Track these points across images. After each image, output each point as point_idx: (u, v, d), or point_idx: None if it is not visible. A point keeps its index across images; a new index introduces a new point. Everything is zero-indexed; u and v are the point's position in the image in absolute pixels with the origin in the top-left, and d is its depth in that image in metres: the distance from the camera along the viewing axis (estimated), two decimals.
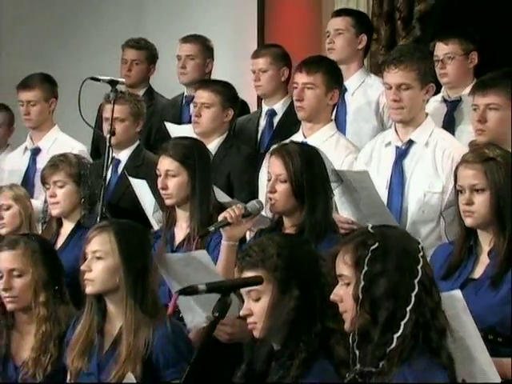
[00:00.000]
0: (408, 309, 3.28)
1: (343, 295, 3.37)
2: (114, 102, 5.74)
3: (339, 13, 6.80)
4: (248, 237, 5.23)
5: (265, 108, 6.55)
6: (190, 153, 5.21)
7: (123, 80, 5.90)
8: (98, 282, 4.14)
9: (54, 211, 5.61)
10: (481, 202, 4.16)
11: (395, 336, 3.28)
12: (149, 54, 7.47)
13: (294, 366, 3.53)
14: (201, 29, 7.85)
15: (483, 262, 4.18)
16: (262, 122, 6.54)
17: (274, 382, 3.56)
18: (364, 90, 6.16)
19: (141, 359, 4.06)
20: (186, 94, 7.11)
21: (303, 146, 5.02)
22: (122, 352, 4.07)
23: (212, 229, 4.82)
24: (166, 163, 5.13)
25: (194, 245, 4.93)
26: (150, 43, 7.53)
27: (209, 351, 3.75)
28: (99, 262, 4.15)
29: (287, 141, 5.19)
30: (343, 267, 3.36)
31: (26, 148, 6.85)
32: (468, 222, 4.15)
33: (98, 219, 5.43)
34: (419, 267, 3.35)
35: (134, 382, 3.80)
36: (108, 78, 5.77)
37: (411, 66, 5.25)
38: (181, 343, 4.18)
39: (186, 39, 7.14)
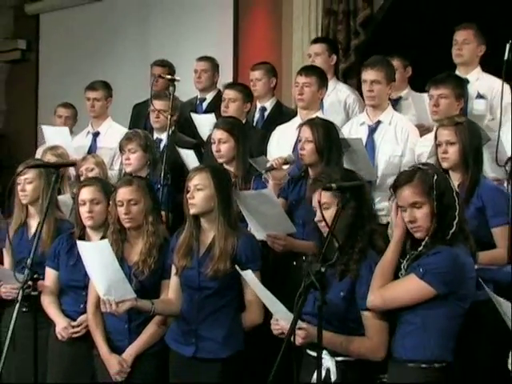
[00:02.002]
0: (456, 213, 3.38)
1: (418, 216, 3.39)
2: (172, 97, 5.60)
3: (316, 40, 6.67)
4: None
5: (258, 105, 6.37)
6: (234, 125, 5.18)
7: (178, 78, 5.85)
8: (199, 206, 4.11)
9: (128, 169, 5.51)
10: (453, 151, 4.25)
11: (450, 231, 3.37)
12: (170, 70, 7.13)
13: (355, 253, 3.54)
14: (191, 53, 7.61)
15: None
16: (256, 115, 6.40)
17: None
18: (335, 93, 6.09)
19: (229, 258, 4.05)
20: (199, 96, 6.96)
21: (325, 120, 4.95)
22: (216, 253, 4.06)
23: (264, 171, 4.84)
24: (218, 133, 5.08)
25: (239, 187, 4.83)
26: (170, 62, 7.28)
27: None
28: (199, 192, 4.12)
29: (314, 116, 5.14)
30: (415, 196, 3.39)
31: (88, 132, 6.69)
32: (444, 164, 4.23)
33: (162, 175, 5.25)
34: (452, 186, 3.48)
35: (253, 277, 3.67)
36: (169, 76, 5.77)
37: (381, 68, 5.29)
38: (255, 247, 4.18)
39: (201, 58, 7.00)
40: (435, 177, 3.41)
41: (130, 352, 4.27)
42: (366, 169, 4.89)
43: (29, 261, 3.92)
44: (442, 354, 3.32)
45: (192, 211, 4.13)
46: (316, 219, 3.65)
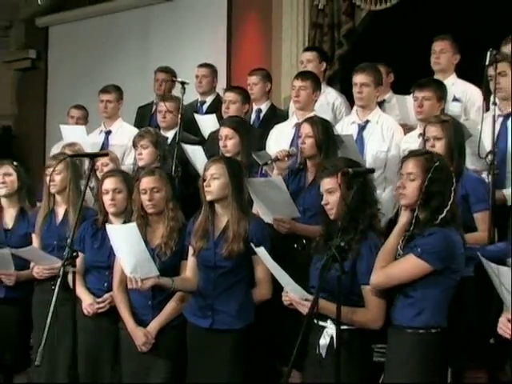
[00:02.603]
0: (449, 202, 3.45)
1: (407, 186, 3.48)
2: (182, 97, 5.68)
3: (308, 49, 6.70)
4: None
5: (254, 107, 6.31)
6: (239, 123, 5.20)
7: (188, 81, 5.88)
8: (215, 193, 4.14)
9: (140, 163, 5.47)
10: (439, 146, 4.29)
11: (440, 216, 3.43)
12: (172, 75, 7.07)
13: (357, 234, 3.60)
14: (188, 62, 7.69)
15: None
16: (253, 116, 6.37)
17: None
18: (324, 96, 6.09)
19: (242, 239, 4.09)
20: (199, 99, 6.96)
21: (322, 118, 4.98)
22: (230, 236, 4.10)
23: (269, 161, 4.87)
24: (225, 130, 5.10)
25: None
26: (172, 68, 7.23)
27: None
28: (215, 180, 4.15)
29: (312, 115, 5.18)
30: (414, 168, 3.47)
31: (101, 131, 6.66)
32: None
33: (173, 168, 5.41)
34: (453, 181, 3.52)
35: (265, 253, 3.72)
36: (180, 79, 5.82)
37: (370, 73, 5.30)
38: (265, 230, 4.22)
39: (202, 65, 6.98)
40: (437, 163, 3.48)
41: (154, 325, 4.31)
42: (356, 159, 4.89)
43: (69, 240, 3.98)
44: (438, 321, 3.42)
45: (208, 198, 4.16)
46: (323, 203, 3.72)
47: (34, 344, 5.08)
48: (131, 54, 9.07)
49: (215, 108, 6.70)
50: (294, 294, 3.57)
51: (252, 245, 3.82)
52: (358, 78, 5.30)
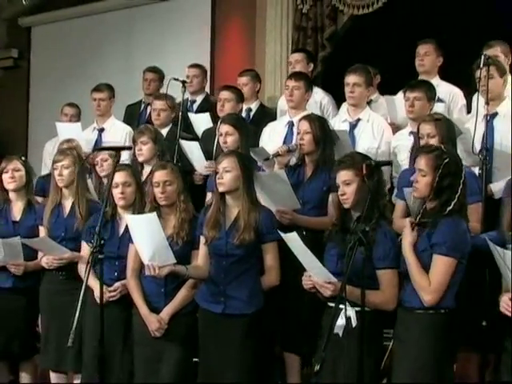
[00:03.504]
0: (457, 195, 3.67)
1: (419, 181, 3.70)
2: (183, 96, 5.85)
3: (297, 50, 6.91)
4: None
5: (244, 106, 6.36)
6: (238, 120, 5.38)
7: (188, 80, 6.01)
8: (227, 185, 4.31)
9: (140, 158, 5.53)
10: (433, 142, 4.47)
11: (448, 208, 3.66)
12: (160, 75, 7.35)
13: (372, 222, 3.76)
14: (173, 62, 7.89)
15: None
16: (243, 115, 6.37)
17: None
18: (312, 95, 6.08)
19: (253, 229, 4.27)
20: (190, 98, 7.03)
21: (319, 116, 5.18)
22: (241, 225, 4.27)
23: (271, 157, 5.05)
24: (225, 127, 5.24)
25: None
26: (160, 68, 7.37)
27: None
28: (227, 173, 4.31)
29: (309, 113, 5.36)
30: (425, 165, 3.69)
31: (94, 128, 6.75)
32: None
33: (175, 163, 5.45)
34: (462, 174, 3.74)
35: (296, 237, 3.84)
36: (182, 79, 5.99)
37: (361, 74, 5.50)
38: (274, 220, 4.41)
39: (193, 65, 7.09)
40: (446, 160, 3.71)
41: (167, 311, 4.48)
42: None
43: (97, 228, 4.12)
44: (447, 302, 3.67)
45: (221, 189, 4.34)
46: (339, 193, 3.93)
47: (41, 330, 5.21)
48: (115, 55, 9.14)
49: (205, 107, 6.88)
50: (317, 277, 3.75)
51: (280, 233, 3.97)
52: (351, 79, 5.50)
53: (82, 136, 6.42)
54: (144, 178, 5.32)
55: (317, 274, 3.80)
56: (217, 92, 6.51)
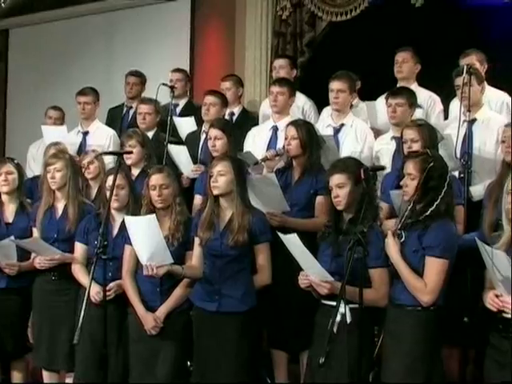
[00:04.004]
0: (440, 196, 3.88)
1: (408, 184, 3.92)
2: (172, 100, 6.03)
3: (281, 56, 7.04)
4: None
5: (227, 111, 6.47)
6: (226, 125, 5.53)
7: (177, 86, 6.15)
8: (221, 188, 4.47)
9: (128, 161, 5.63)
10: (416, 146, 4.68)
11: (430, 209, 3.85)
12: (142, 79, 7.47)
13: (365, 224, 3.89)
14: (152, 66, 7.96)
15: None
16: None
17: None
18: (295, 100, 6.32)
19: (246, 231, 4.44)
20: (173, 102, 6.81)
21: (305, 121, 5.34)
22: (235, 227, 4.43)
23: (259, 161, 5.21)
24: (214, 131, 5.36)
25: None
26: (142, 72, 7.48)
27: None
28: (222, 177, 4.47)
29: (296, 118, 5.53)
30: (413, 169, 3.91)
31: (78, 131, 6.83)
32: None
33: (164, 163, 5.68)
34: (447, 177, 3.95)
35: (296, 238, 3.99)
36: (170, 84, 6.14)
37: (345, 80, 5.71)
38: (266, 222, 4.60)
39: (176, 70, 7.24)
40: (431, 164, 3.93)
41: (163, 310, 4.63)
42: (335, 157, 5.24)
43: (101, 230, 4.27)
44: (437, 300, 3.87)
45: (215, 192, 4.50)
46: (333, 195, 4.13)
47: (31, 328, 5.32)
48: (95, 58, 9.21)
49: (188, 111, 7.03)
50: (314, 276, 3.94)
51: (281, 235, 4.13)
52: (335, 85, 5.70)
53: (68, 139, 6.52)
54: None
55: (314, 274, 3.97)
56: (196, 96, 6.62)
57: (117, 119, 7.47)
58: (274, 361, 5.17)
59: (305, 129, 5.12)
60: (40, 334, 5.20)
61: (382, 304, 3.96)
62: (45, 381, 5.29)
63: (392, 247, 3.91)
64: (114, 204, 4.86)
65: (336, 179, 4.12)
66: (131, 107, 7.43)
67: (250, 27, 8.03)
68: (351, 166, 4.13)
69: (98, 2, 9.20)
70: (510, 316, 3.54)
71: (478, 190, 5.11)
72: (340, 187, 4.10)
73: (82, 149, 6.68)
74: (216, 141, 5.37)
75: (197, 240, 4.58)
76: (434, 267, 3.84)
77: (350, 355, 3.83)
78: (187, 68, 8.36)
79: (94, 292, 4.80)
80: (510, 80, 6.09)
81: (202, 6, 8.58)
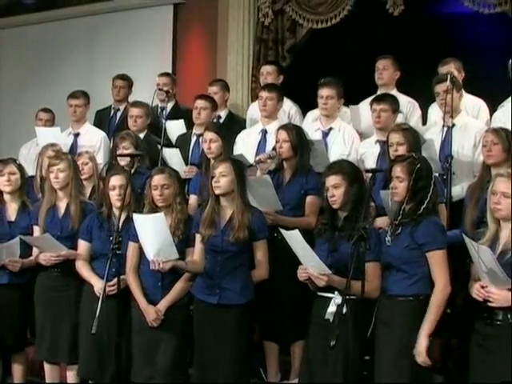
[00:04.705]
0: (429, 194, 4.23)
1: (398, 186, 4.26)
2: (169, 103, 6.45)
3: (268, 62, 7.38)
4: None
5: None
6: (221, 128, 5.85)
7: (173, 92, 6.47)
8: (223, 188, 4.76)
9: (122, 162, 5.84)
10: (402, 150, 5.07)
11: (422, 207, 4.20)
12: (130, 83, 7.74)
13: (359, 222, 4.19)
14: (134, 70, 8.09)
15: None
16: None
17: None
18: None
19: (246, 228, 4.74)
20: (160, 105, 7.42)
21: (295, 125, 5.65)
22: (236, 224, 4.73)
23: (253, 163, 5.51)
24: (209, 134, 5.66)
25: None
26: (129, 77, 7.74)
27: None
28: (223, 177, 4.77)
29: (287, 123, 5.87)
30: (401, 172, 4.25)
31: (70, 133, 7.08)
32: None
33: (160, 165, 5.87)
34: (433, 176, 4.30)
35: (298, 234, 4.28)
36: (166, 89, 6.47)
37: (333, 87, 6.06)
38: (264, 220, 4.87)
39: (163, 74, 7.53)
40: (418, 165, 4.28)
41: (164, 304, 4.92)
42: (324, 162, 5.52)
43: (116, 227, 4.57)
44: (425, 290, 4.24)
45: (217, 192, 4.80)
46: (329, 195, 4.46)
47: (36, 324, 5.56)
48: (78, 61, 9.47)
49: (175, 113, 7.30)
50: (313, 269, 4.28)
51: (283, 231, 4.46)
52: (324, 92, 6.06)
53: (61, 140, 6.72)
54: None
55: (313, 267, 4.30)
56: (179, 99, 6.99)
57: (104, 121, 7.75)
58: (265, 352, 5.51)
59: (295, 132, 5.45)
60: (42, 328, 5.45)
61: (375, 295, 4.30)
62: (46, 372, 5.56)
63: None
64: (117, 203, 5.11)
65: (332, 180, 4.44)
66: (118, 109, 7.75)
67: (232, 33, 8.39)
68: (346, 167, 4.47)
69: (81, 5, 9.48)
70: (494, 305, 3.96)
71: (456, 191, 5.49)
72: (336, 187, 4.42)
73: (73, 150, 6.94)
74: (212, 143, 5.67)
75: (198, 237, 4.86)
76: (437, 260, 4.19)
77: (346, 342, 4.13)
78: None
79: (99, 287, 5.06)
80: (480, 86, 6.54)
81: (185, 12, 8.89)
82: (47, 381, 5.54)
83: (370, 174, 4.60)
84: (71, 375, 5.44)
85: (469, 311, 4.34)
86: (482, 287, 3.98)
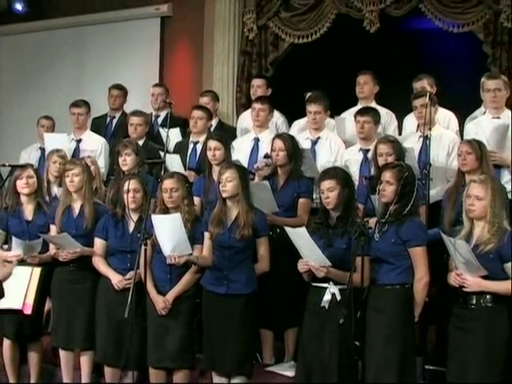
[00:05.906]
0: (413, 198, 4.90)
1: (387, 189, 4.91)
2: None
3: (258, 76, 8.07)
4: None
5: None
6: (223, 136, 6.40)
7: (172, 102, 7.13)
8: (229, 192, 5.35)
9: (124, 168, 6.45)
10: (390, 159, 5.69)
11: (407, 209, 4.87)
12: (125, 92, 8.27)
13: (349, 222, 4.94)
14: (122, 80, 8.52)
15: None
16: None
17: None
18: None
19: (250, 226, 5.33)
20: (154, 113, 8.02)
21: (289, 135, 6.27)
22: (241, 223, 5.31)
23: (253, 170, 6.11)
24: (213, 143, 6.21)
25: None
26: (124, 87, 8.27)
27: None
28: (229, 182, 5.35)
29: (281, 132, 6.52)
30: (390, 177, 4.89)
31: (72, 139, 7.63)
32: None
33: (163, 171, 6.26)
34: (416, 183, 4.98)
35: (305, 230, 4.89)
36: (168, 100, 7.08)
37: (320, 103, 6.71)
38: (266, 220, 5.51)
39: (157, 84, 8.13)
40: (406, 173, 4.97)
41: (172, 294, 5.51)
42: (312, 169, 6.33)
43: (143, 225, 5.24)
44: (409, 279, 4.93)
45: (224, 195, 5.41)
46: (323, 197, 5.10)
47: (52, 314, 6.19)
48: (67, 70, 9.95)
49: (168, 122, 7.90)
50: (314, 262, 4.92)
51: (289, 229, 5.06)
52: (312, 108, 6.74)
53: (67, 146, 7.33)
54: None
55: (314, 260, 4.96)
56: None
57: (100, 128, 8.31)
58: (261, 338, 6.17)
59: (290, 141, 6.12)
60: (59, 318, 6.05)
61: (366, 284, 4.95)
62: (61, 358, 6.13)
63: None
64: (131, 205, 5.72)
65: (327, 184, 5.07)
66: (114, 117, 8.34)
67: (218, 46, 8.98)
68: (339, 173, 5.11)
69: (70, 16, 9.98)
70: (468, 290, 4.67)
71: (433, 194, 6.15)
72: (330, 190, 5.06)
73: (75, 154, 7.53)
74: (216, 151, 6.24)
75: (207, 235, 5.46)
76: (418, 255, 4.88)
77: (340, 327, 4.72)
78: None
79: (117, 280, 5.68)
80: (450, 99, 7.14)
81: (172, 24, 9.43)
82: (62, 366, 6.12)
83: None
84: (85, 360, 6.05)
85: (445, 299, 5.04)
86: (458, 275, 4.70)
